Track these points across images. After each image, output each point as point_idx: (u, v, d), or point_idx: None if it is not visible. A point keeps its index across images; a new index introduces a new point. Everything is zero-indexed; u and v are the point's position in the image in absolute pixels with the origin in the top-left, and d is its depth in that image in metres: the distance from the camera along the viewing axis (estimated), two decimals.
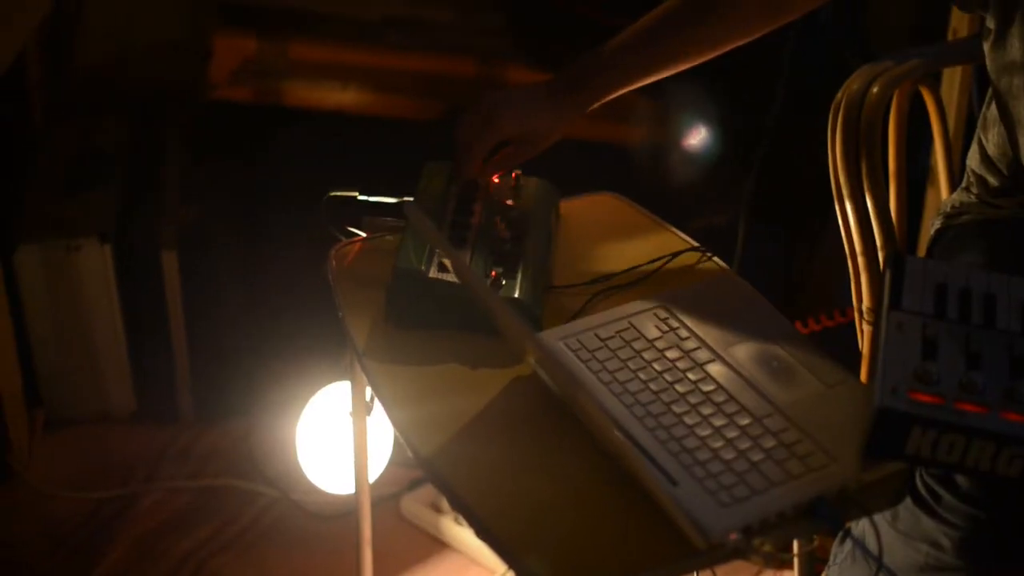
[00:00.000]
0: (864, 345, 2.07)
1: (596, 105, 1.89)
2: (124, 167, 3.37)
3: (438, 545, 2.80)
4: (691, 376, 1.59)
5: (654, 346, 1.65)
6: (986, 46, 1.78)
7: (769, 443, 1.48)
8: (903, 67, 1.97)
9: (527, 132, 1.91)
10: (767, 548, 1.34)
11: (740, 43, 1.86)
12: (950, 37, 2.76)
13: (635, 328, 1.69)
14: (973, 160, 1.96)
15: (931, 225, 2.02)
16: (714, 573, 1.52)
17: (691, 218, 2.05)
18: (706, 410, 1.53)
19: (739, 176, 2.98)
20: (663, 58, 1.87)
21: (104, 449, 3.07)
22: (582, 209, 2.08)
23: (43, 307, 3.03)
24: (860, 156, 1.92)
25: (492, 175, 1.95)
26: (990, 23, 1.75)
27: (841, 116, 1.92)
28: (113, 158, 3.39)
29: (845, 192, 1.95)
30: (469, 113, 1.90)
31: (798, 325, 1.77)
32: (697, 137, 3.31)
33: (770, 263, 3.22)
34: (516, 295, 1.74)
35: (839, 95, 1.94)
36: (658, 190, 2.01)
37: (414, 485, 2.90)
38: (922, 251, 2.08)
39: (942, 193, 2.17)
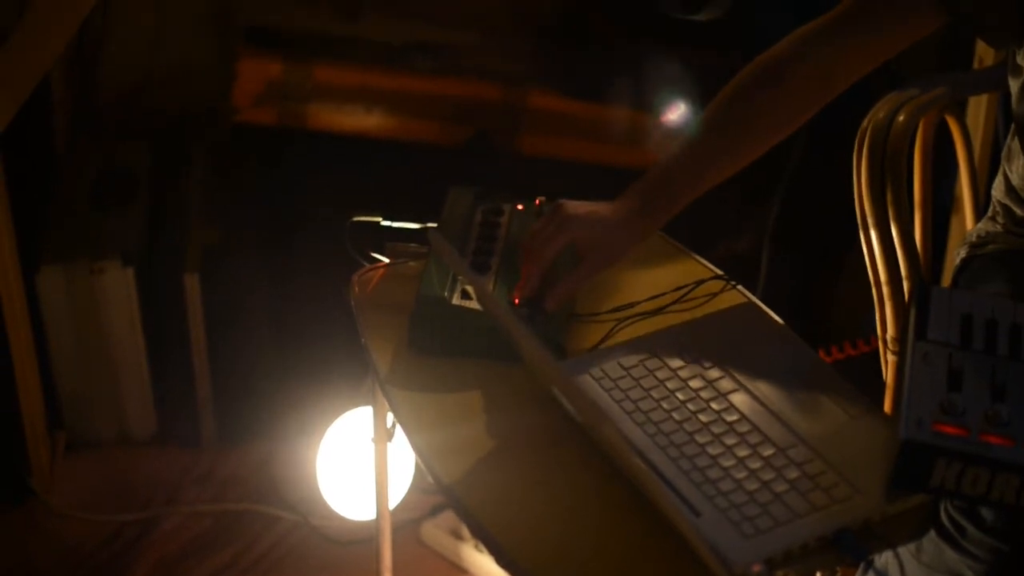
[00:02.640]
0: (888, 375, 2.06)
1: (664, 216, 1.84)
2: (148, 189, 3.38)
3: (458, 572, 2.80)
4: (714, 406, 1.58)
5: (677, 375, 1.64)
6: (1014, 85, 1.77)
7: (793, 474, 1.47)
8: (929, 95, 1.97)
9: (590, 242, 1.80)
10: None
11: (802, 122, 1.80)
12: (976, 65, 2.75)
13: (659, 357, 1.68)
14: (998, 190, 1.95)
15: (956, 254, 2.01)
16: None
17: (714, 245, 2.04)
18: (729, 440, 1.52)
19: (763, 204, 2.98)
20: (724, 159, 1.80)
21: (125, 472, 3.07)
22: None
23: (65, 329, 3.03)
24: (885, 184, 1.91)
25: (560, 298, 1.81)
26: (1021, 59, 1.74)
27: (867, 144, 1.92)
28: (137, 180, 3.39)
29: (870, 220, 1.94)
30: (542, 223, 1.82)
31: (821, 354, 1.76)
32: (676, 112, 3.31)
33: (793, 291, 3.21)
34: (539, 323, 1.74)
35: (865, 123, 1.94)
36: (681, 217, 2.00)
37: (434, 511, 2.90)
38: (947, 280, 2.07)
39: (967, 222, 2.16)
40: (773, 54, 1.78)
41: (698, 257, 2.00)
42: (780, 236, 2.96)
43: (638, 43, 3.34)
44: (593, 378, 1.64)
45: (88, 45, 3.53)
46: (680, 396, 1.60)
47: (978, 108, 2.75)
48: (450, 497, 1.53)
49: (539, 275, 1.78)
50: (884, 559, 1.66)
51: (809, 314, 3.24)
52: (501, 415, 1.65)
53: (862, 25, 1.73)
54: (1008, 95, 1.82)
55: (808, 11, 1.84)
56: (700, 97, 3.19)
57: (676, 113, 3.32)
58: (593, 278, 1.81)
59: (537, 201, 1.99)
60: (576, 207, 1.79)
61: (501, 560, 1.44)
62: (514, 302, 1.76)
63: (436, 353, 1.76)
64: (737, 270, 1.95)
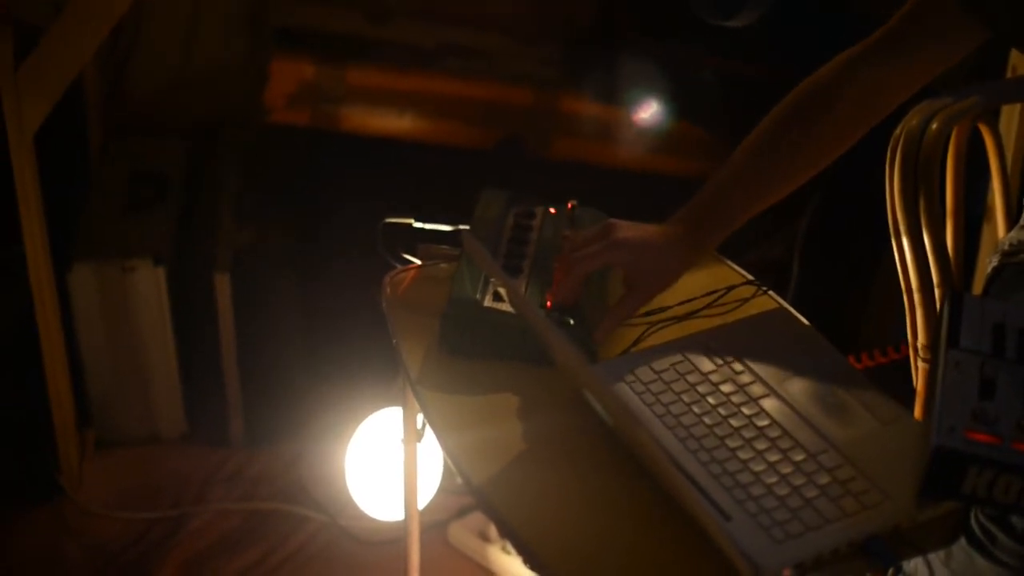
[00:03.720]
0: (919, 383, 2.05)
1: (713, 243, 1.82)
2: (180, 189, 3.40)
3: (484, 574, 2.81)
4: (745, 411, 1.59)
5: (708, 380, 1.65)
6: None
7: (823, 479, 1.47)
8: (962, 104, 1.96)
9: (639, 271, 1.79)
10: None
11: (851, 144, 1.80)
12: (1009, 74, 2.74)
13: (689, 361, 1.68)
14: None
15: (988, 263, 2.00)
16: None
17: (745, 251, 2.04)
18: (760, 445, 1.53)
19: (795, 212, 2.98)
20: (771, 182, 1.80)
21: (154, 470, 3.09)
22: None
23: (96, 327, 3.05)
24: (918, 192, 1.91)
25: (609, 331, 1.80)
26: None
27: (900, 152, 1.91)
28: (169, 180, 3.41)
29: (902, 228, 1.94)
30: (588, 237, 1.82)
31: (851, 361, 1.77)
32: (648, 111, 3.31)
33: (824, 299, 3.20)
34: (571, 326, 1.74)
35: (898, 131, 1.93)
36: None
37: (462, 513, 2.90)
38: (978, 289, 2.06)
39: (999, 231, 2.15)
40: (819, 78, 1.78)
41: (730, 263, 2.00)
42: (811, 244, 2.96)
43: (669, 49, 3.35)
44: (624, 382, 1.65)
45: (122, 45, 3.55)
46: (711, 400, 1.61)
47: (1011, 117, 2.74)
48: (480, 498, 1.53)
49: (572, 288, 1.78)
50: (913, 565, 1.66)
51: (839, 322, 3.23)
52: (532, 417, 1.65)
53: (905, 46, 1.74)
54: None
55: (833, 24, 1.85)
56: (728, 105, 3.19)
57: (648, 112, 3.32)
58: (642, 307, 1.82)
59: (569, 205, 2.00)
60: (626, 231, 1.78)
61: (530, 562, 1.44)
62: (546, 305, 1.77)
63: (467, 355, 1.76)
64: (768, 277, 1.95)
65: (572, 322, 1.74)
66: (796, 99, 1.79)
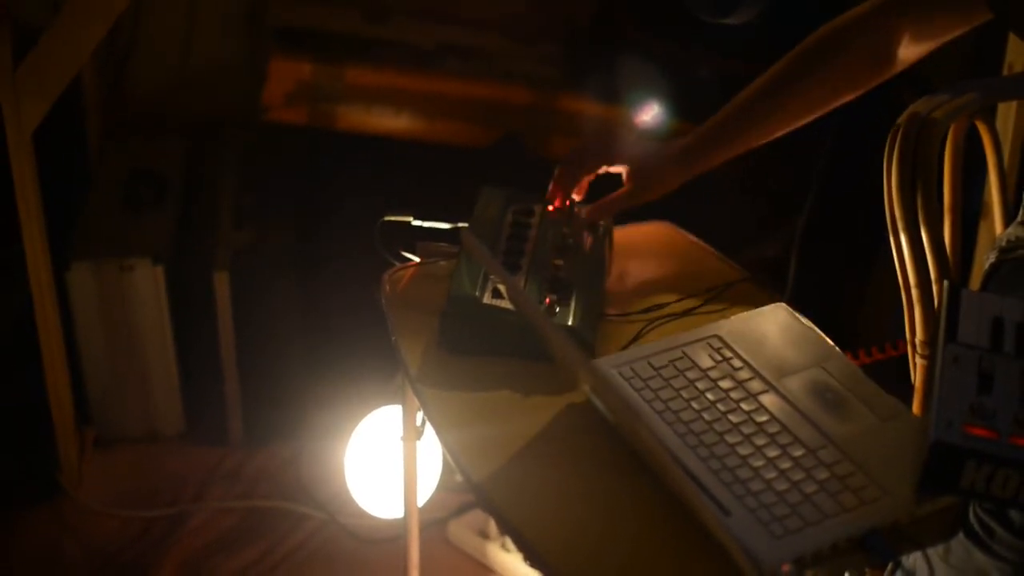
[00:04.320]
0: (917, 379, 2.06)
1: (707, 162, 1.91)
2: (178, 189, 3.40)
3: (484, 571, 2.81)
4: (744, 406, 1.59)
5: (707, 376, 1.65)
6: None
7: (822, 475, 1.48)
8: (959, 100, 1.96)
9: (635, 170, 1.92)
10: None
11: (852, 94, 1.90)
12: (1005, 71, 2.75)
13: (688, 357, 1.69)
14: None
15: (985, 259, 2.01)
16: None
17: (743, 249, 2.05)
18: (759, 441, 1.53)
19: (791, 210, 2.98)
20: (776, 115, 1.90)
21: (153, 469, 3.09)
22: (636, 237, 2.08)
23: (94, 325, 3.05)
24: (916, 188, 1.91)
25: (602, 216, 1.96)
26: None
27: (897, 148, 1.92)
28: (168, 179, 3.41)
29: (900, 224, 1.94)
30: (584, 138, 1.94)
31: (848, 357, 1.77)
32: (650, 114, 3.32)
33: (821, 296, 3.21)
34: (569, 323, 1.75)
35: (895, 127, 1.94)
36: (711, 220, 2.01)
37: (461, 510, 2.90)
38: (975, 285, 2.07)
39: (996, 227, 2.16)
40: (836, 23, 1.88)
41: (728, 260, 2.00)
42: (809, 241, 2.96)
43: (667, 48, 3.35)
44: (623, 378, 1.65)
45: (120, 45, 3.56)
46: (710, 396, 1.61)
47: (1008, 114, 2.74)
48: (480, 495, 1.54)
49: (571, 181, 1.86)
50: (912, 560, 1.66)
51: (837, 319, 3.23)
52: (531, 414, 1.65)
53: (917, 6, 1.82)
54: None
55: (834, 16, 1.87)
56: (726, 100, 3.20)
57: (650, 114, 3.33)
58: (637, 203, 1.92)
59: (568, 202, 2.00)
60: (626, 136, 1.87)
61: (530, 558, 1.45)
62: (545, 302, 1.77)
63: (467, 352, 1.77)
64: (766, 275, 1.96)
65: (571, 323, 1.75)
66: (813, 40, 1.89)
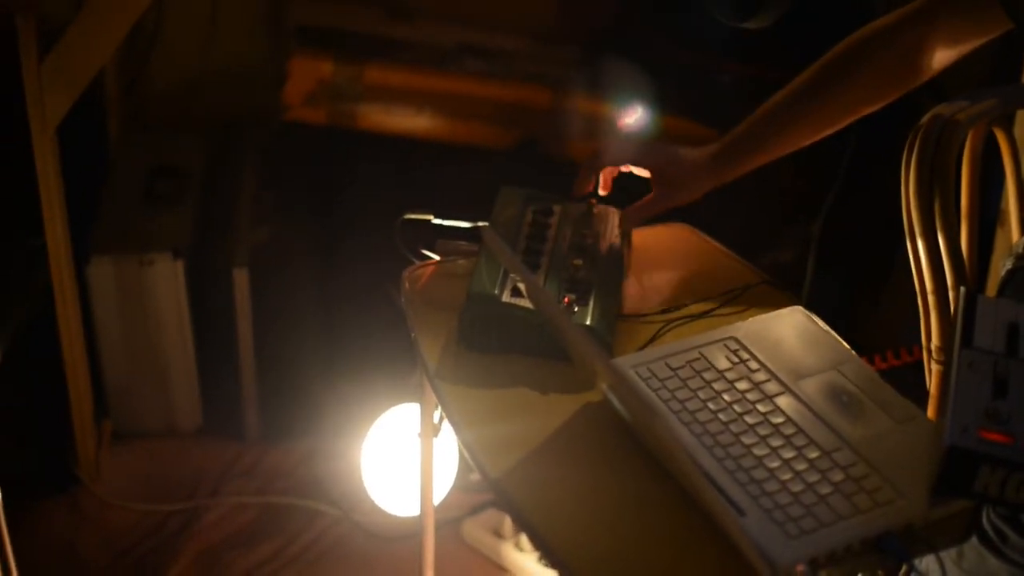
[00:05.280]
0: (932, 384, 2.06)
1: (734, 170, 1.92)
2: (199, 185, 3.41)
3: (498, 570, 2.82)
4: (761, 408, 1.60)
5: (724, 377, 1.66)
6: None
7: (837, 477, 1.48)
8: (978, 107, 1.97)
9: (662, 175, 1.92)
10: None
11: (879, 103, 1.90)
12: (1023, 80, 2.76)
13: (705, 358, 1.70)
14: None
15: (1002, 266, 2.01)
16: None
17: (760, 254, 2.06)
18: (775, 442, 1.54)
19: (809, 215, 2.99)
20: (804, 123, 1.90)
21: (170, 463, 3.11)
22: (655, 239, 2.09)
23: (114, 320, 3.07)
24: (933, 194, 1.92)
25: (632, 224, 1.97)
26: None
27: (916, 154, 1.92)
28: (189, 176, 3.42)
29: (917, 230, 1.95)
30: (614, 136, 1.94)
31: (864, 362, 1.78)
32: (633, 116, 3.33)
33: (837, 301, 3.21)
34: (588, 322, 1.76)
35: (914, 133, 1.95)
36: (728, 223, 2.02)
37: (476, 510, 2.92)
38: (991, 292, 2.07)
39: (1013, 234, 2.16)
40: (864, 32, 1.88)
41: (746, 262, 2.01)
42: (825, 246, 2.97)
43: (687, 52, 3.36)
44: (640, 378, 1.66)
45: (142, 42, 3.57)
46: (727, 397, 1.62)
47: None
48: (497, 492, 1.55)
49: (596, 174, 1.92)
50: (925, 564, 1.67)
51: (853, 324, 3.24)
52: (549, 412, 1.66)
53: (946, 11, 1.82)
54: None
55: (851, 27, 1.87)
56: (745, 109, 3.20)
57: (633, 116, 3.34)
58: (664, 209, 1.92)
59: (589, 202, 2.01)
60: (656, 141, 1.88)
61: (545, 555, 1.46)
62: (564, 301, 1.78)
63: (485, 349, 1.78)
64: (781, 278, 1.96)
65: (590, 323, 1.76)
66: (846, 46, 1.88)
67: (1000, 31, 1.80)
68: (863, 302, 3.29)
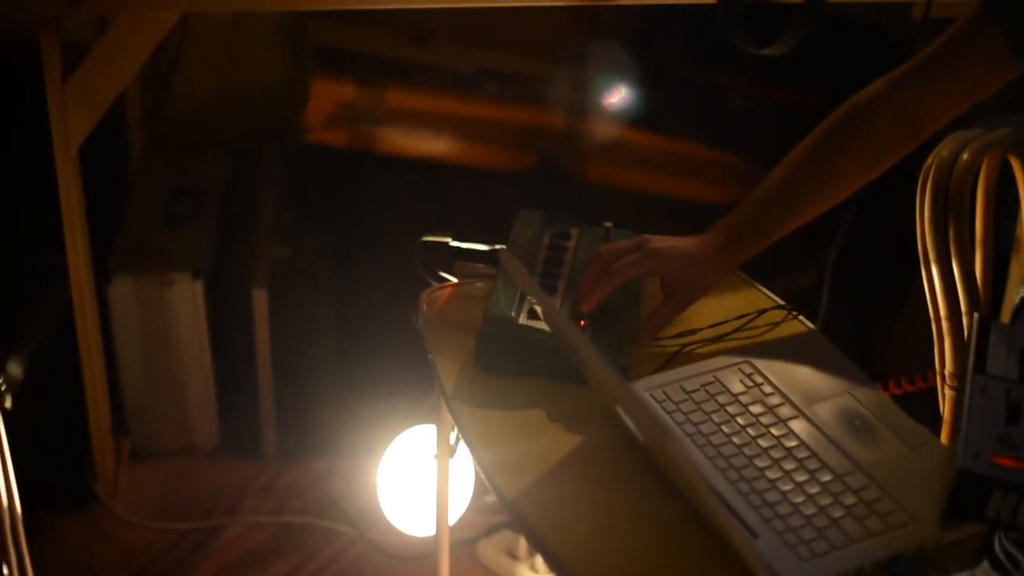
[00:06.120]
0: (946, 410, 2.08)
1: (744, 256, 1.86)
2: (219, 205, 3.43)
3: None
4: (774, 431, 1.61)
5: (738, 400, 1.68)
6: None
7: (850, 500, 1.50)
8: (993, 135, 1.98)
9: (675, 278, 1.86)
10: None
11: (887, 166, 1.83)
12: None
13: (720, 382, 1.71)
14: None
15: (1016, 293, 2.02)
16: None
17: (775, 280, 2.07)
18: (788, 465, 1.55)
19: (824, 240, 3.00)
20: (807, 197, 1.84)
21: (188, 481, 3.12)
22: None
23: (134, 338, 3.08)
24: (948, 221, 1.93)
25: (649, 338, 1.88)
26: None
27: (931, 182, 1.94)
28: (209, 196, 3.44)
29: (932, 256, 1.97)
30: (623, 247, 1.86)
31: (879, 388, 1.79)
32: (617, 96, 3.34)
33: (852, 327, 3.22)
34: (604, 345, 1.77)
35: (929, 161, 1.96)
36: None
37: (492, 531, 2.92)
38: (1006, 319, 2.08)
39: None
40: (859, 98, 1.82)
41: (761, 287, 2.02)
42: (840, 273, 2.98)
43: (705, 75, 3.37)
44: (655, 400, 1.68)
45: (164, 63, 3.59)
46: (740, 421, 1.63)
47: None
48: (512, 513, 1.56)
49: (604, 295, 1.82)
50: None
51: (868, 351, 3.25)
52: (565, 434, 1.68)
53: (943, 69, 1.77)
54: None
55: (870, 52, 1.88)
56: (763, 133, 3.21)
57: (617, 96, 3.35)
58: (680, 314, 1.87)
59: (606, 225, 2.02)
60: (662, 241, 1.84)
61: (559, 574, 1.47)
62: (579, 324, 1.80)
63: (502, 371, 1.80)
64: (796, 304, 1.97)
65: (605, 346, 1.77)
66: (836, 118, 1.83)
67: (1007, 79, 1.77)
68: (879, 329, 3.30)
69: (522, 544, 2.83)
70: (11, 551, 2.18)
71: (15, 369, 2.10)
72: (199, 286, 3.07)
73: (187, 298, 3.07)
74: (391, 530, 2.85)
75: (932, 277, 2.00)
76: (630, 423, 1.60)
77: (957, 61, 1.76)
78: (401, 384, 3.01)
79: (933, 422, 2.10)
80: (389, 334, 3.10)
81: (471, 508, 2.84)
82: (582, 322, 1.80)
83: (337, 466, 3.13)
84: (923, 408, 2.04)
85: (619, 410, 1.62)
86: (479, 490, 2.83)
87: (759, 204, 1.85)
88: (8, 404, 2.10)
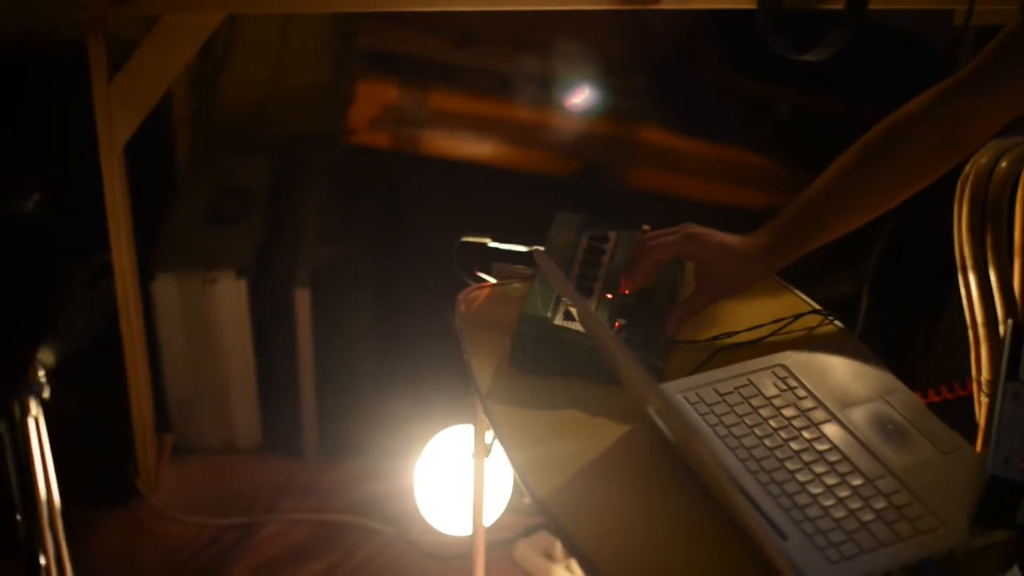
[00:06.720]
0: (981, 416, 2.07)
1: (785, 261, 1.87)
2: (264, 205, 3.46)
3: None
4: (806, 435, 1.62)
5: (771, 403, 1.68)
6: None
7: (880, 504, 1.50)
8: None
9: (710, 267, 1.87)
10: None
11: (934, 176, 1.83)
12: None
13: (754, 385, 1.71)
14: None
15: None
16: None
17: (814, 287, 2.07)
18: (819, 468, 1.56)
19: (864, 247, 2.99)
20: (853, 205, 1.85)
21: (228, 478, 3.15)
22: None
23: (177, 336, 3.11)
24: (985, 229, 1.93)
25: (679, 323, 1.89)
26: None
27: (968, 189, 1.94)
28: (254, 196, 3.47)
29: (969, 263, 1.96)
30: (666, 230, 1.87)
31: (917, 395, 1.79)
32: (580, 96, 3.34)
33: (892, 334, 3.21)
34: (638, 347, 1.78)
35: (967, 169, 1.96)
36: None
37: (528, 532, 2.93)
38: None
39: None
40: (908, 108, 1.82)
41: (797, 292, 2.03)
42: (880, 281, 2.97)
43: (747, 82, 3.37)
44: (689, 402, 1.68)
45: (211, 64, 3.62)
46: (773, 424, 1.64)
47: None
48: (545, 512, 1.57)
49: (645, 271, 1.85)
50: None
51: (908, 358, 3.24)
52: (598, 434, 1.68)
53: (989, 83, 1.76)
54: None
55: (910, 59, 1.87)
56: (805, 140, 3.21)
57: (580, 96, 3.36)
58: (712, 305, 1.88)
59: (643, 228, 2.03)
60: (703, 229, 1.85)
61: (590, 574, 1.48)
62: (615, 325, 1.81)
63: (537, 371, 1.80)
64: (836, 311, 1.97)
65: (639, 347, 1.78)
66: (883, 129, 1.83)
67: None
68: (919, 336, 3.29)
69: (559, 546, 2.84)
70: (48, 542, 2.20)
71: (53, 361, 2.12)
72: (243, 285, 3.09)
73: (231, 296, 3.09)
74: (428, 530, 2.87)
75: (969, 284, 2.00)
76: (661, 424, 1.61)
77: (1003, 74, 1.75)
78: (442, 383, 3.02)
79: (971, 429, 2.10)
80: (430, 334, 3.11)
81: (509, 509, 2.85)
82: (616, 323, 1.81)
83: (376, 465, 3.14)
84: (961, 416, 2.04)
85: (650, 411, 1.62)
86: (517, 491, 2.84)
87: (803, 211, 1.86)
88: (46, 395, 2.12)
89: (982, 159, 1.95)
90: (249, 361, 3.17)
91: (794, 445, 1.60)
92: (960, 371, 2.82)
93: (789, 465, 1.56)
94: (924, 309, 3.24)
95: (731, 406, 1.68)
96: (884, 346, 1.94)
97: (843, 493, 1.52)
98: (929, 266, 3.07)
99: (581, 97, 3.34)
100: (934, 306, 3.20)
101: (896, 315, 3.19)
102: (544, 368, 1.80)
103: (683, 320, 1.87)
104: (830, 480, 1.54)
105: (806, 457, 1.58)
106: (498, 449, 1.77)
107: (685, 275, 2.01)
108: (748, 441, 1.61)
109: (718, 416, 1.66)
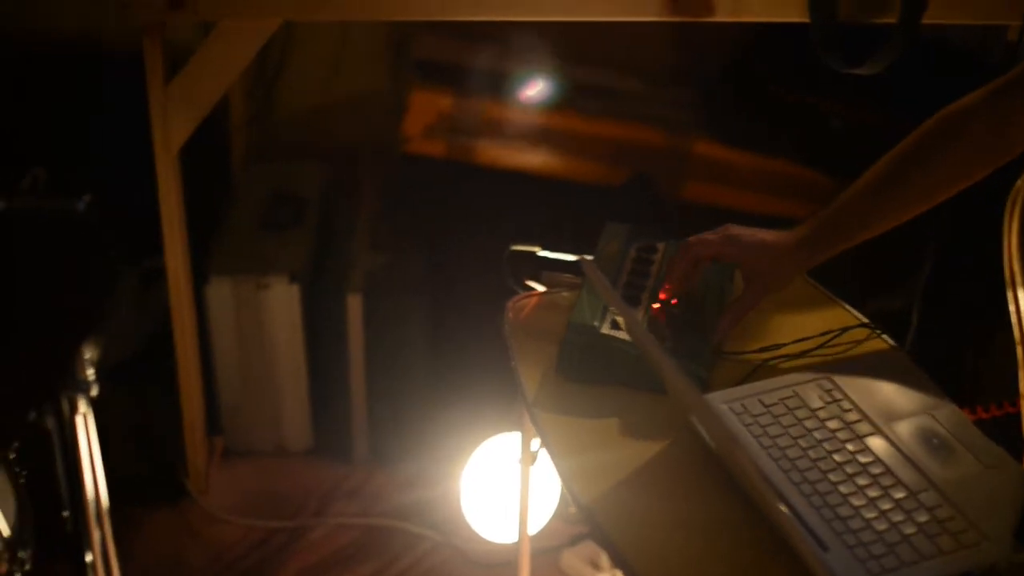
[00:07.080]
0: None
1: (825, 253, 1.87)
2: (317, 211, 3.48)
3: None
4: (850, 447, 1.62)
5: (816, 415, 1.68)
6: None
7: (922, 517, 1.50)
8: None
9: (754, 267, 1.89)
10: None
11: (979, 176, 1.83)
12: None
13: (799, 396, 1.72)
14: None
15: None
16: None
17: (865, 302, 2.07)
18: (862, 481, 1.56)
19: (915, 261, 2.98)
20: (897, 201, 1.85)
21: (278, 481, 3.17)
22: None
23: (230, 339, 3.14)
24: None
25: (728, 326, 1.90)
26: None
27: (1019, 203, 1.93)
28: (308, 203, 3.49)
29: (1018, 280, 1.96)
30: (708, 233, 1.89)
31: (966, 412, 1.78)
32: (535, 89, 3.34)
33: (943, 350, 3.20)
34: (684, 356, 1.79)
35: (1017, 184, 1.95)
36: (834, 271, 2.03)
37: (574, 541, 2.94)
38: None
39: None
40: (957, 105, 1.82)
41: (846, 305, 2.03)
42: (931, 296, 2.96)
43: (800, 95, 3.37)
44: (733, 413, 1.69)
45: (268, 71, 3.65)
46: (817, 435, 1.64)
47: None
48: (589, 520, 1.58)
49: (685, 271, 1.87)
50: None
51: (959, 374, 3.23)
52: (644, 443, 1.69)
53: None
54: None
55: (969, 72, 1.87)
56: (855, 153, 3.21)
57: (535, 89, 3.36)
58: (758, 303, 1.89)
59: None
60: (745, 230, 1.86)
61: None
62: (661, 335, 1.82)
63: (583, 380, 1.81)
64: (887, 325, 1.97)
65: (685, 358, 1.78)
66: (931, 126, 1.83)
67: None
68: (971, 352, 3.28)
69: (604, 556, 2.84)
70: (95, 539, 2.22)
71: (103, 360, 2.14)
72: (295, 290, 3.11)
73: (283, 301, 3.12)
74: (474, 537, 2.88)
75: (1019, 301, 1.99)
76: (704, 433, 1.61)
77: None
78: (490, 390, 3.03)
79: (1018, 446, 2.09)
80: (479, 341, 3.12)
81: (556, 516, 2.86)
82: (660, 298, 1.83)
83: (424, 471, 3.16)
84: (1009, 433, 2.04)
85: (693, 419, 1.63)
86: (563, 499, 2.84)
87: (845, 204, 1.87)
88: (95, 393, 2.14)
89: None
90: (301, 365, 3.19)
91: (837, 457, 1.60)
92: (1010, 388, 2.81)
93: (832, 477, 1.57)
94: (975, 326, 3.23)
95: (776, 417, 1.68)
96: (933, 362, 1.94)
97: (886, 506, 1.52)
98: (980, 283, 3.05)
99: (535, 89, 3.35)
100: (985, 323, 3.19)
101: (946, 331, 3.18)
102: (590, 376, 1.81)
103: (733, 323, 1.88)
104: (873, 492, 1.54)
105: (849, 469, 1.58)
106: (544, 457, 1.78)
107: (734, 284, 2.02)
108: (792, 452, 1.61)
109: (763, 427, 1.66)
